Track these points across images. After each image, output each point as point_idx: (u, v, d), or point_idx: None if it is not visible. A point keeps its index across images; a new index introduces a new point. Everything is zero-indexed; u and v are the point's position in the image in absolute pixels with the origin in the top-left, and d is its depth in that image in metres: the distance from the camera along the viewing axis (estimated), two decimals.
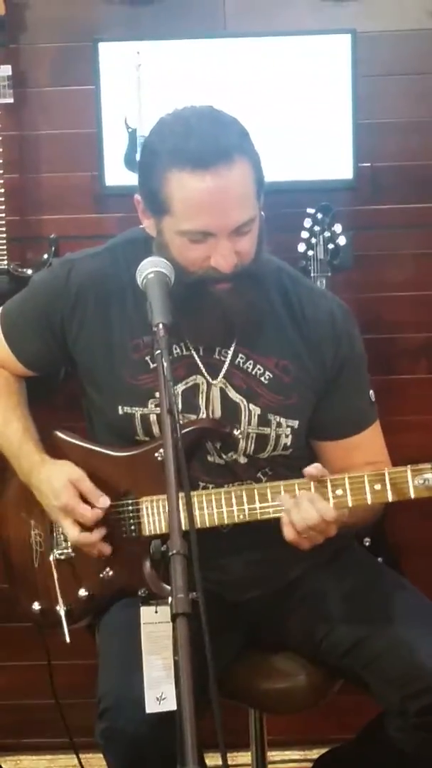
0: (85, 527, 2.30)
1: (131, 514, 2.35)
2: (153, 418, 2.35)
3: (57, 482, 2.33)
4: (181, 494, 1.80)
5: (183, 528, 1.75)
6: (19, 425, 2.45)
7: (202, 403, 2.35)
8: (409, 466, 2.23)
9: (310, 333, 2.38)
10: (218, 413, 2.35)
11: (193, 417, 2.34)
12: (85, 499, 2.31)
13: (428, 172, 3.32)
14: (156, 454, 2.31)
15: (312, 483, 2.23)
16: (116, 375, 2.37)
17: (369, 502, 2.23)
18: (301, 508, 2.20)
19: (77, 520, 2.30)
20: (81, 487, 2.32)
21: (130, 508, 2.35)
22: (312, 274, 3.09)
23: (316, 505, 2.19)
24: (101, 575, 2.38)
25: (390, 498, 2.23)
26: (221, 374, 2.36)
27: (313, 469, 2.23)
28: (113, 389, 2.38)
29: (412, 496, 2.22)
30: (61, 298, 2.40)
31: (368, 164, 3.27)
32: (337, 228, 3.13)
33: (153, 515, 2.33)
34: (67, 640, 2.39)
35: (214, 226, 2.18)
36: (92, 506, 2.30)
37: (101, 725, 2.19)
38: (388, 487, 2.22)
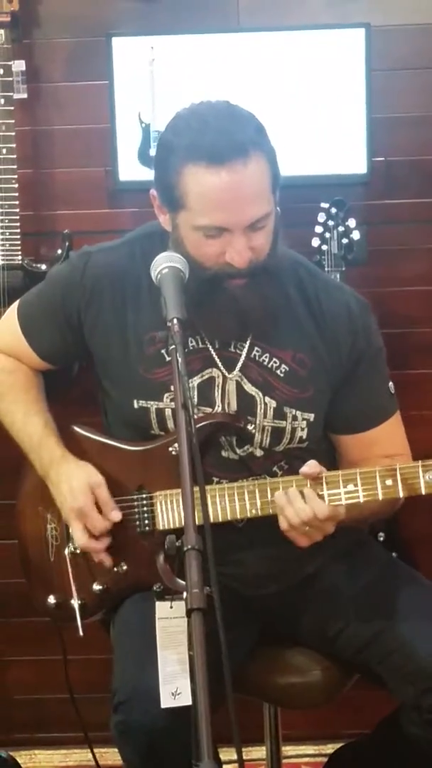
0: (92, 534, 2.32)
1: (145, 509, 2.35)
2: (168, 412, 2.35)
3: (77, 482, 2.34)
4: (196, 489, 1.80)
5: (197, 523, 1.75)
6: (39, 419, 2.46)
7: (217, 396, 2.35)
8: (420, 461, 2.23)
9: (326, 326, 2.37)
10: (234, 406, 2.35)
11: (208, 410, 2.34)
12: (98, 507, 2.32)
13: None
14: (170, 449, 2.31)
15: (309, 480, 2.23)
16: (131, 368, 2.37)
17: (380, 497, 2.24)
18: (295, 504, 2.20)
19: (87, 526, 2.31)
20: (98, 494, 2.33)
21: (144, 502, 2.36)
22: (326, 269, 3.08)
23: (311, 503, 2.20)
24: (115, 569, 2.38)
25: (401, 494, 2.23)
26: (237, 368, 2.36)
27: (307, 468, 2.23)
28: (128, 383, 2.38)
29: (423, 492, 2.22)
30: (76, 290, 2.41)
31: (382, 158, 3.26)
32: (351, 222, 3.12)
33: (167, 510, 2.34)
34: (81, 633, 2.40)
35: (228, 221, 2.18)
36: (104, 516, 2.32)
37: (116, 718, 2.20)
38: (399, 482, 2.22)
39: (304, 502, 2.21)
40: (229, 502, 2.29)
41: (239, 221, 2.18)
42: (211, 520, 2.22)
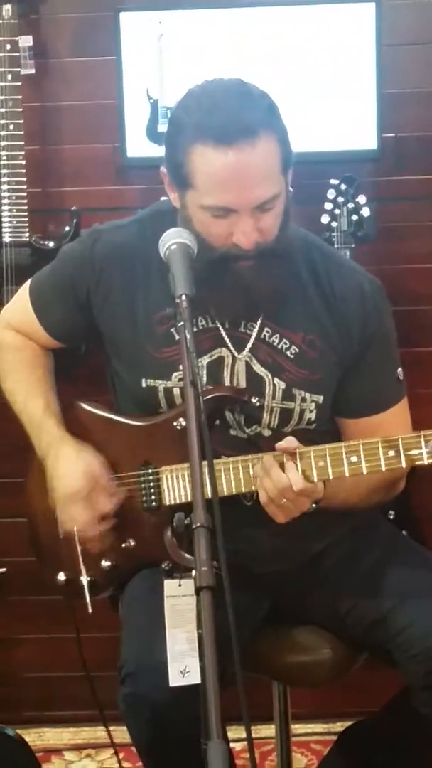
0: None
1: (152, 484, 2.35)
2: (177, 391, 2.34)
3: (75, 466, 2.34)
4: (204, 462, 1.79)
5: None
6: (41, 400, 2.46)
7: (226, 376, 2.34)
8: (422, 432, 2.21)
9: (338, 308, 2.36)
10: (243, 386, 2.34)
11: None
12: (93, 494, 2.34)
13: None
14: (175, 423, 2.31)
15: (328, 448, 2.22)
16: (140, 348, 2.36)
17: (383, 468, 2.22)
18: (272, 473, 2.20)
19: (76, 514, 2.33)
20: (97, 481, 2.34)
21: (151, 478, 2.35)
22: (336, 246, 3.07)
23: (289, 473, 2.19)
24: (123, 545, 2.38)
25: (403, 464, 2.22)
26: (247, 348, 2.34)
27: (284, 443, 2.22)
28: (137, 362, 2.37)
29: (426, 462, 2.20)
30: (86, 269, 2.40)
31: (392, 135, 3.24)
32: (361, 199, 3.11)
33: (174, 485, 2.33)
34: (90, 610, 2.40)
35: (235, 202, 2.17)
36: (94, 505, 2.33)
37: (124, 690, 2.20)
38: (402, 453, 2.20)
39: (281, 472, 2.20)
40: (235, 475, 2.28)
41: (246, 202, 2.17)
42: (219, 494, 2.23)
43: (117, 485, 2.36)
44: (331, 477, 2.23)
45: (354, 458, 2.22)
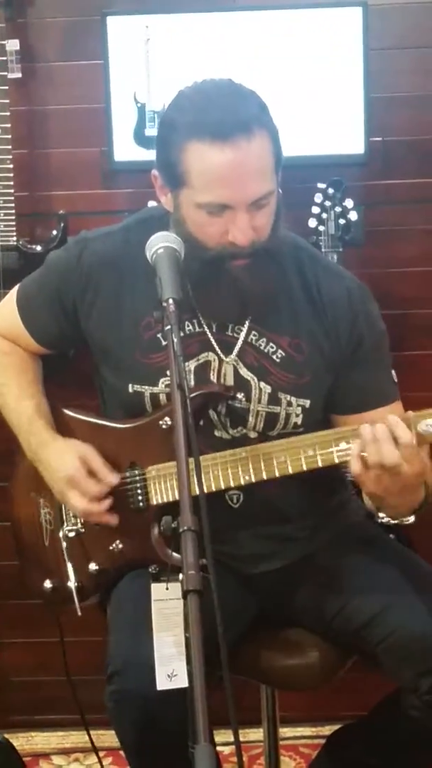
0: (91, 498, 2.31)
1: (139, 485, 2.35)
2: (163, 397, 2.34)
3: (67, 455, 2.34)
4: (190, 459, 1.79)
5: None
6: (31, 402, 2.46)
7: (213, 379, 2.34)
8: (410, 412, 2.20)
9: (325, 312, 2.36)
10: None
11: None
12: (93, 476, 2.32)
13: None
14: (161, 422, 2.31)
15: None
16: (128, 354, 2.36)
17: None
18: (380, 443, 2.14)
19: (82, 492, 2.31)
20: (91, 464, 2.32)
21: (138, 478, 2.35)
22: (323, 250, 3.07)
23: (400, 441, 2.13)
24: (111, 548, 2.38)
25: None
26: (234, 352, 2.34)
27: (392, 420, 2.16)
28: (124, 368, 2.37)
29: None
30: (72, 277, 2.40)
31: (379, 139, 3.24)
32: (348, 203, 3.11)
33: (161, 485, 2.33)
34: (79, 613, 2.40)
35: (232, 198, 2.17)
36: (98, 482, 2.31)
37: (110, 688, 2.20)
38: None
39: (393, 447, 2.14)
40: (222, 470, 2.28)
41: (242, 198, 2.17)
42: (206, 490, 2.22)
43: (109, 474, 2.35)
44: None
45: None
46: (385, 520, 3.04)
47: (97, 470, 2.33)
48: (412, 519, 2.96)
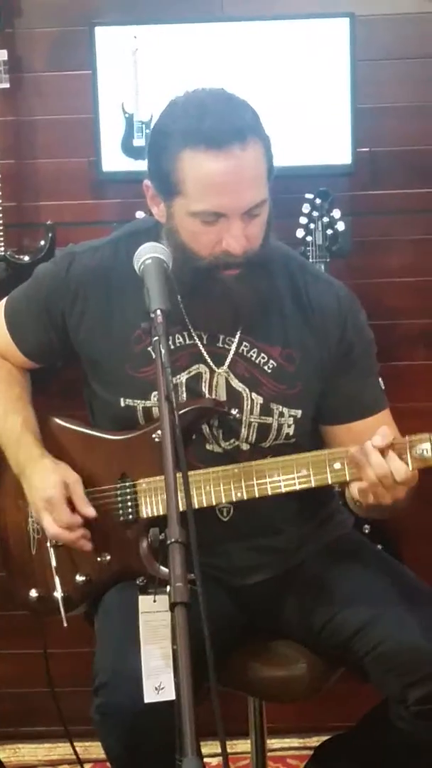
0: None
1: (129, 497, 2.34)
2: (155, 411, 2.33)
3: (52, 475, 2.33)
4: (179, 476, 1.78)
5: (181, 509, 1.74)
6: (18, 417, 2.44)
7: (205, 391, 2.34)
8: (407, 437, 2.21)
9: (315, 320, 2.36)
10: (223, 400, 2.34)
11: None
12: (72, 504, 2.32)
13: (427, 157, 3.31)
14: (153, 435, 2.30)
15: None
16: (118, 367, 2.36)
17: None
18: (371, 459, 2.18)
19: (55, 518, 2.31)
20: (72, 490, 2.33)
21: (128, 490, 2.34)
22: (311, 260, 3.07)
23: (390, 462, 2.17)
24: (99, 559, 2.37)
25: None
26: (226, 363, 2.34)
27: (380, 437, 2.20)
28: (115, 382, 2.37)
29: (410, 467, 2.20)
30: (60, 291, 2.39)
31: (367, 149, 3.25)
32: (336, 213, 3.12)
33: (151, 498, 2.32)
34: (65, 624, 2.39)
35: (226, 206, 2.17)
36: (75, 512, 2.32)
37: (97, 701, 2.19)
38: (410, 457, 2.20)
39: (381, 458, 2.17)
40: (214, 486, 2.27)
41: (237, 206, 2.17)
42: (197, 505, 2.22)
43: (94, 498, 2.35)
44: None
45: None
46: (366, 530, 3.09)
47: (76, 500, 2.32)
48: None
